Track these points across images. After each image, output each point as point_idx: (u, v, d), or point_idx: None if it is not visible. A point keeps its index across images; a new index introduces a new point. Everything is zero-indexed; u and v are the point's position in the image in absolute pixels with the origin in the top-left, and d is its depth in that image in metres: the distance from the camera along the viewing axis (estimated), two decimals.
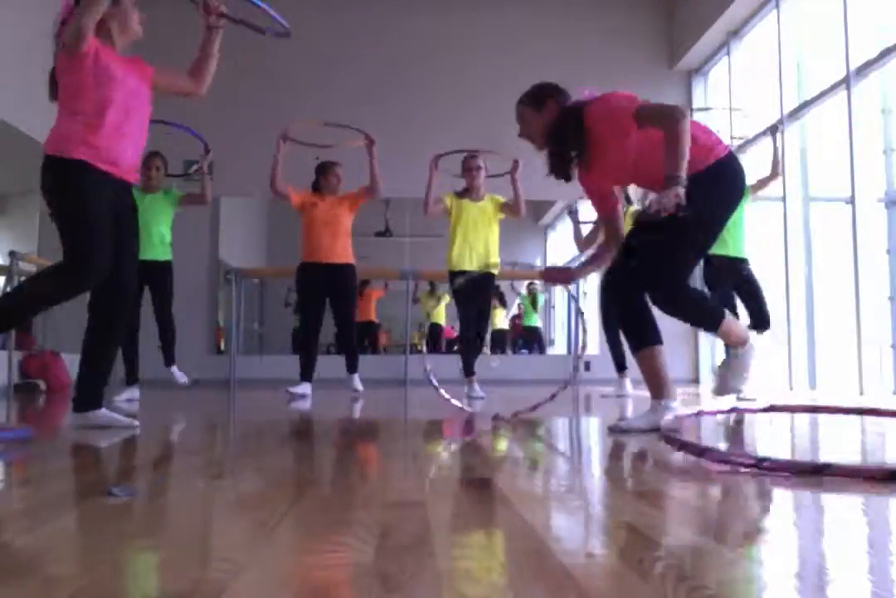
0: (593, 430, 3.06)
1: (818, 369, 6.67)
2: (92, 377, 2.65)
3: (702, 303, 2.65)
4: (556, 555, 0.98)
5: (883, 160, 6.09)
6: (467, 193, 5.02)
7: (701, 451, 1.79)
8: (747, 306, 4.83)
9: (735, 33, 7.98)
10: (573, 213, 5.27)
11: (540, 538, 1.08)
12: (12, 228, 6.84)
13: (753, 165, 7.73)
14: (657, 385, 2.56)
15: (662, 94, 8.96)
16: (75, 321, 7.18)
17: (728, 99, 8.15)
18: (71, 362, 6.46)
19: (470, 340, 5.01)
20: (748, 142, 7.64)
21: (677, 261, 2.51)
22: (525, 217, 5.22)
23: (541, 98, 2.67)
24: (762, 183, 5.06)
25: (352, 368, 5.28)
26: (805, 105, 6.76)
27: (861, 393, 5.66)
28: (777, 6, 7.12)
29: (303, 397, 4.92)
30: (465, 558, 0.99)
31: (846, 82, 5.99)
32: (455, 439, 2.74)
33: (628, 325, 2.63)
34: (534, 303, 9.59)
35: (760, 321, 4.77)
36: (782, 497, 1.46)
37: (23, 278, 6.44)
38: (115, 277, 2.56)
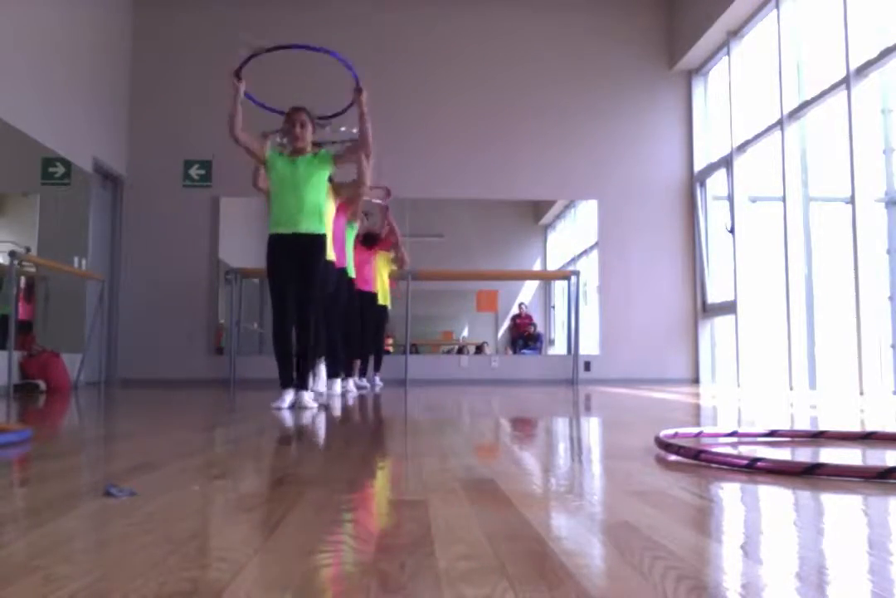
0: (593, 430, 3.06)
1: (818, 368, 6.67)
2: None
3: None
4: (556, 555, 0.98)
5: (883, 160, 6.09)
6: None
7: (696, 453, 1.80)
8: None
9: (735, 33, 7.98)
10: None
11: (540, 538, 1.08)
12: (12, 228, 6.84)
13: (752, 165, 7.74)
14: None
15: (662, 94, 8.98)
16: (75, 322, 7.19)
17: (728, 99, 8.15)
18: (71, 362, 6.44)
19: None
20: (748, 142, 7.63)
21: None
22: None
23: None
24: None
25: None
26: (805, 105, 6.76)
27: (861, 393, 5.67)
28: (777, 6, 7.12)
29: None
30: (465, 558, 0.99)
31: (846, 82, 5.99)
32: (455, 438, 2.74)
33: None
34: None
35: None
36: (782, 497, 1.47)
37: (23, 279, 6.47)
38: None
